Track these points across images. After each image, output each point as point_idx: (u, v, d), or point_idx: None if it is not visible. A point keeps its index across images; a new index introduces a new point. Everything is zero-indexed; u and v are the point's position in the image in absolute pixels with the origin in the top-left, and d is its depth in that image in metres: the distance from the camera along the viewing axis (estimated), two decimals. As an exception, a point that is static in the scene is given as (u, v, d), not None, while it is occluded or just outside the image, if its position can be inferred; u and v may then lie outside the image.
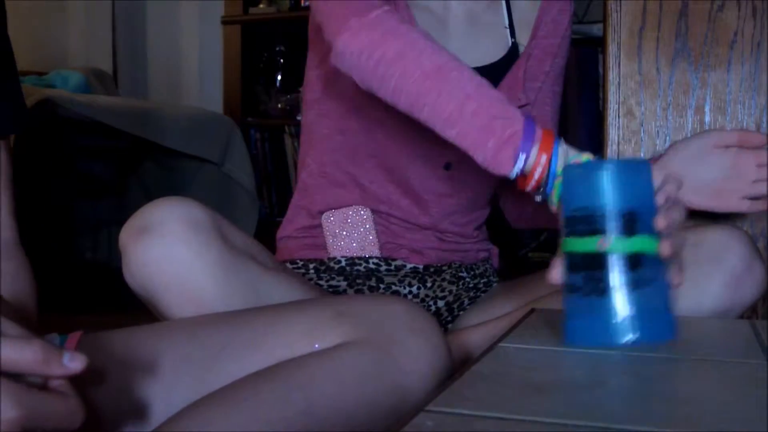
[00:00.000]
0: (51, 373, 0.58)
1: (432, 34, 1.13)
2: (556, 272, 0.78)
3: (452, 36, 1.19)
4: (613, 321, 0.74)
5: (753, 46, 1.29)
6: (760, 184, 1.05)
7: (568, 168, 0.79)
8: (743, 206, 1.06)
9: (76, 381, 0.61)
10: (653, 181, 0.78)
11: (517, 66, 1.21)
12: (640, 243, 0.74)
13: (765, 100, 1.28)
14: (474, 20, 1.21)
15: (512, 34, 1.23)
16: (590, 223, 0.75)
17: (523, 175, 0.91)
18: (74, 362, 0.58)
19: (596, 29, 2.67)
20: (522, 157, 0.89)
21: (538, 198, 0.92)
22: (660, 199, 0.78)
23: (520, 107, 1.19)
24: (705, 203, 1.05)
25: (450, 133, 0.93)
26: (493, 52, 1.21)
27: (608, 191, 0.74)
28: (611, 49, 1.34)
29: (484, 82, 0.95)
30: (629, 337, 0.74)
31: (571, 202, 0.76)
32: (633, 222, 0.74)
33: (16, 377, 0.57)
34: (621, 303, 0.74)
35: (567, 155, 0.90)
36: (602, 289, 0.74)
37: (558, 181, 0.88)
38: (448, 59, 0.95)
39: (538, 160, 0.89)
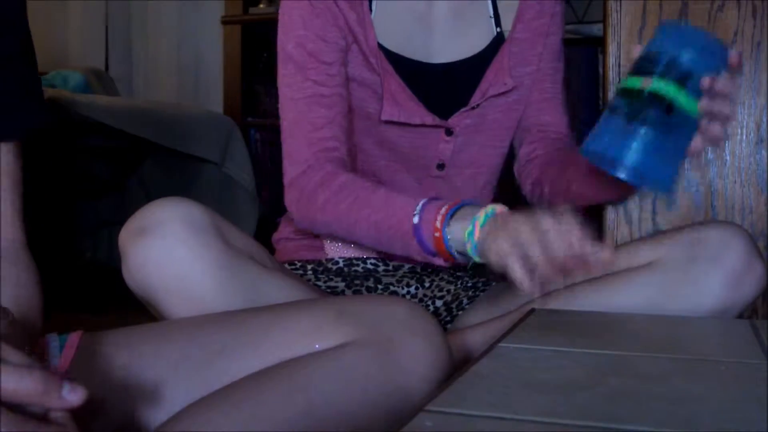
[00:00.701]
0: (49, 405, 0.58)
1: (415, 30, 1.18)
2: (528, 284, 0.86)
3: (435, 31, 1.20)
4: (628, 148, 0.88)
5: (753, 46, 1.29)
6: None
7: (666, 22, 0.99)
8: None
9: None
10: (725, 61, 0.90)
11: (501, 51, 1.21)
12: (680, 96, 0.87)
13: (765, 100, 1.28)
14: (457, 14, 1.21)
15: (497, 23, 1.23)
16: (651, 63, 0.89)
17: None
18: (73, 394, 0.58)
19: (596, 29, 2.67)
20: (426, 242, 0.99)
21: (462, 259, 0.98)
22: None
23: (507, 92, 1.20)
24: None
25: (382, 249, 1.09)
26: (477, 43, 1.22)
27: (683, 47, 0.88)
28: (611, 49, 1.34)
29: (385, 210, 1.04)
30: (632, 170, 0.88)
31: (649, 46, 0.91)
32: (685, 78, 0.87)
33: (16, 405, 0.57)
34: (642, 134, 0.87)
35: (461, 230, 0.95)
36: (635, 117, 0.87)
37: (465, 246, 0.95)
38: (358, 210, 1.06)
39: (429, 238, 0.98)
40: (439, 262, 1.01)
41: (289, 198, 1.14)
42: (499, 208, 0.95)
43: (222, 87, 3.51)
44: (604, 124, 0.91)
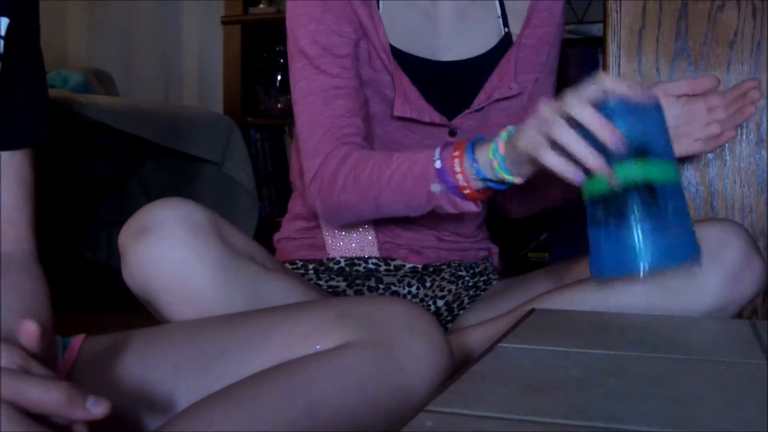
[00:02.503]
0: (73, 417, 0.60)
1: (420, 27, 1.18)
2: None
3: (441, 30, 1.20)
4: (634, 249, 0.79)
5: (753, 46, 1.29)
6: (711, 126, 1.08)
7: (606, 104, 0.84)
8: (694, 148, 1.10)
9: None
10: (661, 112, 0.84)
11: (508, 55, 1.21)
12: (655, 170, 0.80)
13: (765, 100, 1.28)
14: (463, 13, 1.21)
15: (505, 23, 1.23)
16: (607, 158, 0.80)
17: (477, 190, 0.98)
18: (97, 407, 0.60)
19: (596, 29, 2.67)
20: (438, 187, 0.99)
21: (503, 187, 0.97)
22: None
23: (512, 97, 1.20)
24: None
25: (408, 213, 1.07)
26: (484, 42, 1.22)
27: (622, 127, 0.80)
28: (611, 49, 1.34)
29: (407, 170, 1.02)
30: (651, 263, 0.79)
31: (589, 142, 0.82)
32: (647, 152, 0.80)
33: (42, 416, 0.59)
34: (640, 231, 0.79)
35: (486, 151, 0.95)
36: (624, 218, 0.80)
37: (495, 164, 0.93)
38: (379, 177, 1.04)
39: (456, 176, 0.97)
40: (469, 207, 1.00)
41: (312, 192, 1.12)
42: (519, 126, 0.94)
43: (222, 87, 3.50)
44: (596, 242, 0.84)
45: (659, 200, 0.80)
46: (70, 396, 0.59)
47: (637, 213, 0.79)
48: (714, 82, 1.09)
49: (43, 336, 0.66)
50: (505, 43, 1.22)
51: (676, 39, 1.31)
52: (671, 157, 0.84)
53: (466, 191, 0.98)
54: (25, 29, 0.90)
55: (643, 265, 0.79)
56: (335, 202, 1.09)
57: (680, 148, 1.08)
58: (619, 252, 0.80)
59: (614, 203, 0.80)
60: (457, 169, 0.97)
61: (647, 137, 0.81)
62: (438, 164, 0.98)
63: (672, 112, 1.06)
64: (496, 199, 1.37)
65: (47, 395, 0.59)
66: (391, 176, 1.03)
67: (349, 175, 1.07)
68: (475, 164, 0.96)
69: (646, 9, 1.32)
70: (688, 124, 1.09)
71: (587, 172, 0.83)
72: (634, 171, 0.80)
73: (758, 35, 1.29)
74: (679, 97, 1.10)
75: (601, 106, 0.81)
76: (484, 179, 0.96)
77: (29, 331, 0.65)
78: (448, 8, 1.20)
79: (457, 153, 0.97)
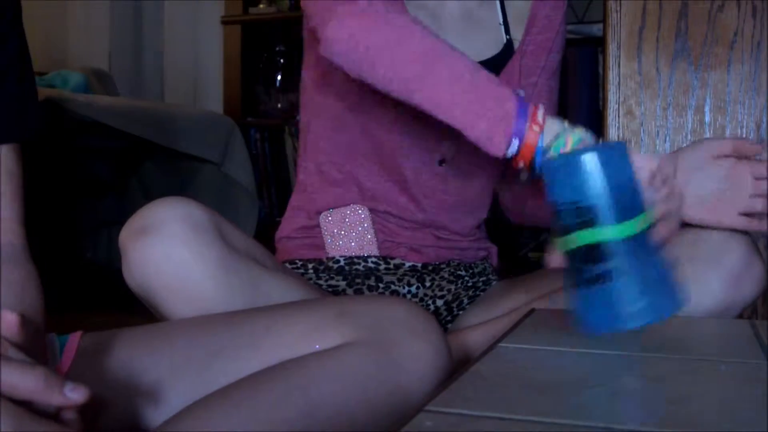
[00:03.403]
0: (51, 402, 0.59)
1: None
2: (554, 258, 0.80)
3: (447, 33, 1.19)
4: (618, 307, 0.75)
5: (753, 46, 1.29)
6: (756, 200, 0.99)
7: (546, 163, 0.78)
8: (738, 223, 1.00)
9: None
10: (630, 162, 0.77)
11: (512, 62, 1.21)
12: (631, 226, 0.74)
13: (765, 100, 1.28)
14: (469, 17, 1.21)
15: (507, 30, 1.23)
16: (580, 216, 0.75)
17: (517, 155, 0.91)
18: (75, 393, 0.59)
19: (596, 29, 2.67)
20: (515, 140, 0.89)
21: (524, 177, 0.92)
22: (645, 181, 0.80)
23: None
24: (700, 217, 1.01)
25: (444, 117, 0.93)
26: (487, 48, 1.22)
27: (590, 181, 0.74)
28: (611, 49, 1.34)
29: (475, 65, 0.95)
30: (637, 319, 0.75)
31: (557, 197, 0.76)
32: (620, 207, 0.74)
33: (25, 403, 0.58)
34: (623, 288, 0.75)
35: (558, 131, 0.89)
36: (605, 279, 0.75)
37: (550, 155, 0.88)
38: (437, 43, 0.94)
39: (527, 139, 0.89)
40: (500, 150, 0.90)
41: (332, 29, 0.97)
42: (584, 135, 0.89)
43: (222, 87, 3.51)
44: (576, 301, 0.78)
45: (638, 254, 0.74)
46: (47, 381, 0.58)
47: (617, 270, 0.74)
48: (759, 149, 1.00)
49: (25, 326, 0.65)
50: (508, 50, 1.22)
51: (676, 39, 1.31)
52: (641, 204, 0.77)
53: (530, 139, 0.89)
54: (5, 21, 0.87)
55: (632, 321, 0.74)
56: (353, 51, 0.96)
57: (719, 219, 0.99)
58: (605, 311, 0.76)
59: (593, 261, 0.75)
60: (539, 119, 0.89)
61: (617, 193, 0.75)
62: (522, 94, 0.92)
63: (718, 175, 0.99)
64: (502, 202, 1.37)
65: (23, 379, 0.58)
66: (455, 65, 0.93)
67: (394, 18, 0.95)
68: (546, 128, 0.89)
69: (646, 9, 1.32)
70: (731, 192, 0.99)
71: (561, 228, 0.77)
72: (610, 228, 0.74)
73: (758, 35, 1.29)
74: (725, 157, 1.00)
75: (568, 159, 0.76)
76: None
77: (7, 320, 0.64)
78: (455, 10, 1.20)
79: (536, 111, 0.90)
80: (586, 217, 0.74)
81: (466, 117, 0.92)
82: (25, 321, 0.65)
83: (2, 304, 0.78)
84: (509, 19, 1.23)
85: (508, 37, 1.22)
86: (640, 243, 0.75)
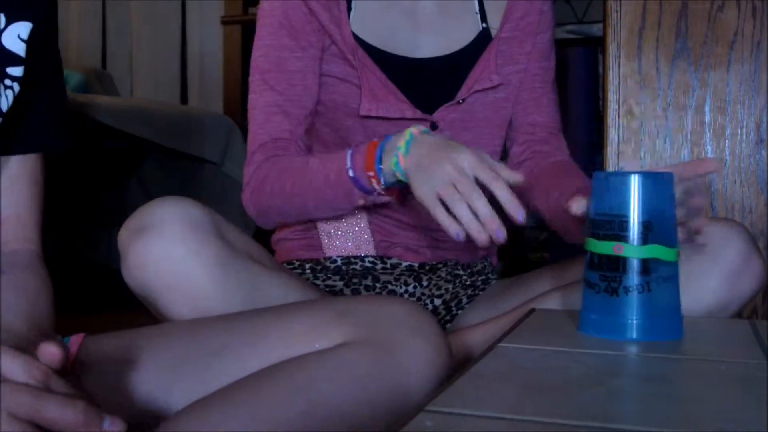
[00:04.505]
0: None
1: (400, 25, 1.20)
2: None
3: (421, 26, 1.21)
4: (623, 321, 0.80)
5: (753, 46, 1.29)
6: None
7: (596, 174, 0.84)
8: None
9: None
10: (674, 192, 0.83)
11: (488, 50, 1.22)
12: (653, 251, 0.80)
13: (765, 100, 1.28)
14: (443, 9, 1.23)
15: (483, 19, 1.24)
16: (610, 228, 0.81)
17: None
18: (113, 427, 0.60)
19: (596, 29, 2.67)
20: (365, 191, 1.05)
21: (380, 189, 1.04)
22: (680, 212, 0.85)
23: (493, 88, 1.21)
24: None
25: (335, 214, 1.16)
26: (461, 38, 1.23)
27: (629, 201, 0.80)
28: (611, 49, 1.34)
29: (325, 172, 1.09)
30: (637, 336, 0.80)
31: (596, 206, 0.83)
32: (648, 231, 0.80)
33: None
34: (631, 305, 0.80)
35: (390, 156, 1.01)
36: (615, 290, 0.80)
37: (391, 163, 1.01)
38: (303, 172, 1.11)
39: (371, 181, 1.04)
40: (385, 199, 1.07)
41: (245, 196, 1.18)
42: (415, 130, 1.01)
43: (222, 87, 3.51)
44: (590, 301, 0.83)
45: (656, 278, 0.80)
46: (87, 415, 0.60)
47: (630, 287, 0.80)
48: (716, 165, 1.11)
49: (63, 353, 0.66)
50: (483, 38, 1.23)
51: (676, 39, 1.31)
52: (674, 239, 0.82)
53: (381, 191, 1.05)
54: (46, 34, 0.92)
55: (628, 336, 0.80)
56: (265, 206, 1.16)
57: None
58: (610, 319, 0.81)
59: (612, 272, 0.81)
60: (370, 174, 1.03)
61: (657, 216, 0.80)
62: (351, 173, 1.05)
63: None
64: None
65: (64, 414, 0.59)
66: (310, 184, 1.10)
67: (276, 183, 1.13)
68: (381, 177, 1.03)
69: (646, 9, 1.32)
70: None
71: (594, 233, 0.83)
72: (639, 248, 0.80)
73: (758, 35, 1.29)
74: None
75: (620, 177, 0.82)
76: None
77: (51, 352, 0.64)
78: (429, 5, 1.22)
79: (368, 159, 1.03)
80: (617, 231, 0.80)
81: (337, 203, 1.11)
82: (66, 351, 0.66)
83: (17, 310, 0.79)
84: (486, 7, 1.24)
85: (484, 25, 1.23)
86: (661, 269, 0.80)
